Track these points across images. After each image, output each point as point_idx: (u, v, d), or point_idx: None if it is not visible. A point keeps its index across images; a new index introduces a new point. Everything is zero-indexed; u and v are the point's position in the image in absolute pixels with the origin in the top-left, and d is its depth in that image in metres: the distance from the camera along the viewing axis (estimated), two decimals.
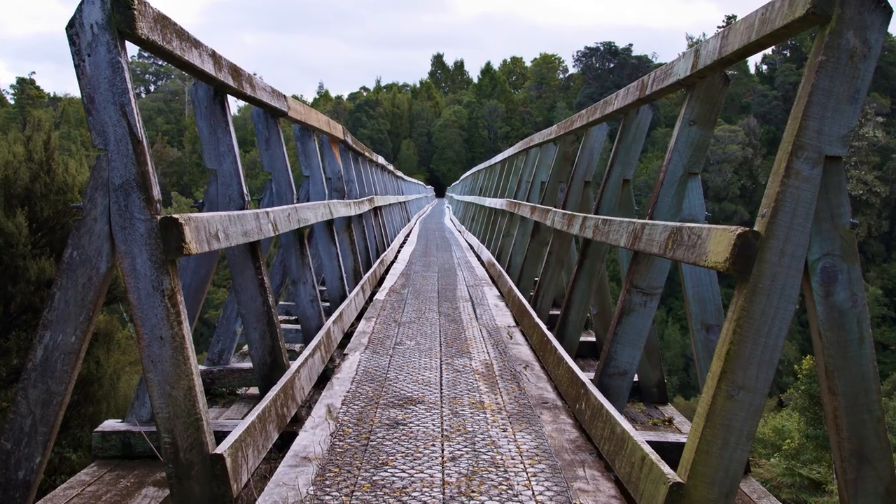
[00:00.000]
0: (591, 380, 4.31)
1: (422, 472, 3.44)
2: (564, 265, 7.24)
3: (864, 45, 2.58)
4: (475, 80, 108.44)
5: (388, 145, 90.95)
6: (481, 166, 20.11)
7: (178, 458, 2.98)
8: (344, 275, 7.34)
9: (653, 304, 4.10)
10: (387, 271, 11.20)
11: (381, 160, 14.36)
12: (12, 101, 74.41)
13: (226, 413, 4.89)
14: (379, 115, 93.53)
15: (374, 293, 8.99)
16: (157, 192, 2.97)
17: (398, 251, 14.55)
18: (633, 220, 3.98)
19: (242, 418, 4.31)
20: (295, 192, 5.59)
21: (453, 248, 15.82)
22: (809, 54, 2.71)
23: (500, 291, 9.20)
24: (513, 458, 3.67)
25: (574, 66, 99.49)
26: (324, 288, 7.98)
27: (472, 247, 15.86)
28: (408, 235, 19.36)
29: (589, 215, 5.15)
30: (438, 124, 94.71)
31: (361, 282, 8.21)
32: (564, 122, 7.21)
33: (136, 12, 2.86)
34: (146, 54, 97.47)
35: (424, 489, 3.25)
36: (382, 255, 11.34)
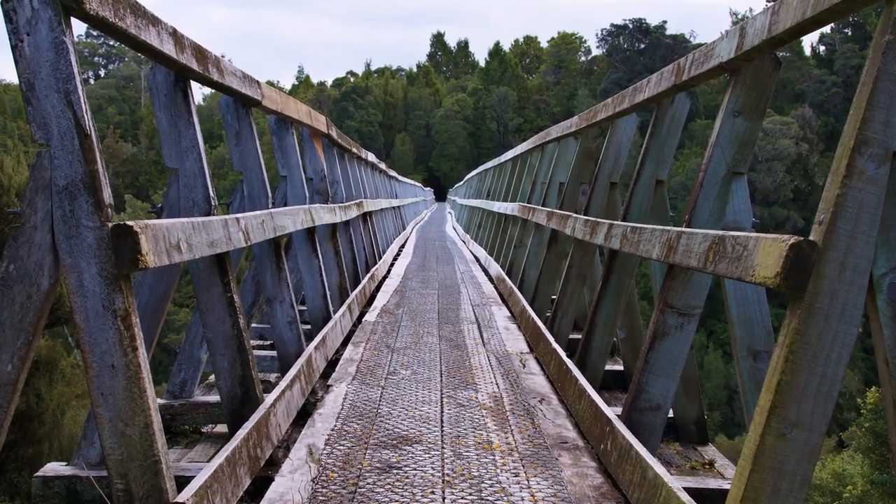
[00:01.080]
0: (619, 416, 4.30)
1: None
2: (587, 281, 7.24)
3: None
4: (482, 64, 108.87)
5: (380, 140, 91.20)
6: (489, 165, 20.16)
7: None
8: (328, 292, 7.35)
9: (690, 327, 4.09)
10: (378, 288, 11.21)
11: (371, 157, 14.41)
12: None
13: (189, 455, 4.88)
14: (369, 105, 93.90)
15: (363, 314, 8.99)
16: (108, 196, 2.97)
17: (392, 264, 14.56)
18: (668, 227, 3.98)
19: (208, 461, 4.30)
20: (270, 195, 5.61)
21: (456, 261, 15.83)
22: (875, 33, 2.71)
23: (510, 312, 9.21)
24: None
25: (598, 47, 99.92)
26: (304, 308, 7.98)
27: (478, 259, 15.88)
28: (403, 246, 19.36)
29: (616, 222, 5.16)
30: (439, 115, 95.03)
31: (348, 300, 8.22)
32: (587, 113, 7.23)
33: None
34: (95, 33, 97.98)
35: None
36: (373, 269, 11.35)
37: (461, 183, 40.29)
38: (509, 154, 14.20)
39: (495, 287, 11.45)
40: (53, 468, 4.15)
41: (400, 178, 26.54)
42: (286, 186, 7.17)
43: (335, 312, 7.47)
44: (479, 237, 17.78)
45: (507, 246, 11.92)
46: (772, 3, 3.37)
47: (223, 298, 4.32)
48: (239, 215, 4.39)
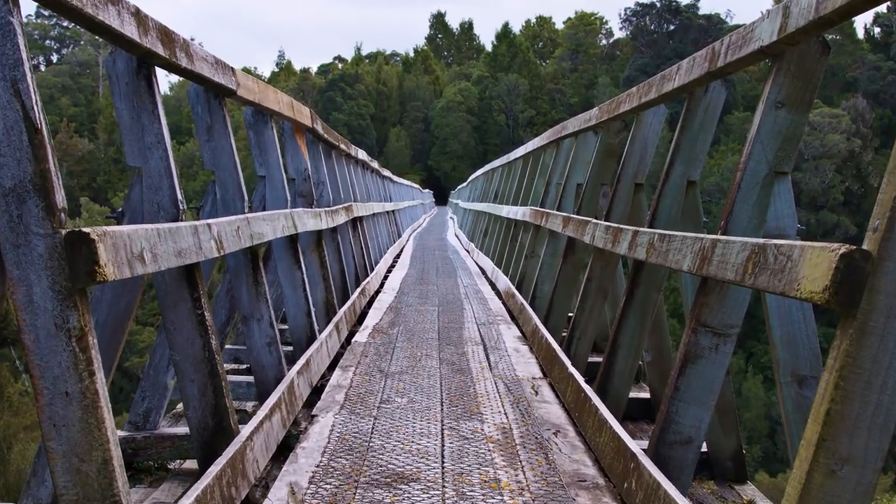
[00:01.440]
0: (644, 450, 4.29)
1: None
2: (608, 296, 7.24)
3: None
4: (488, 48, 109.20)
5: (372, 135, 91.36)
6: (496, 163, 20.18)
7: None
8: (312, 309, 7.36)
9: (726, 349, 4.09)
10: (370, 304, 11.21)
11: (362, 155, 14.42)
12: None
13: (154, 495, 4.88)
14: (359, 95, 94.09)
15: (352, 333, 8.99)
16: (61, 199, 2.97)
17: (385, 277, 14.56)
18: (701, 235, 3.98)
19: (176, 502, 4.30)
20: (247, 197, 5.62)
21: (459, 273, 15.84)
22: None
23: (521, 331, 9.21)
24: None
25: (621, 29, 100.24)
26: (285, 326, 7.98)
27: (483, 271, 15.88)
28: (398, 256, 19.36)
29: (641, 229, 5.16)
30: (439, 107, 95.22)
31: (336, 318, 8.22)
32: (608, 105, 7.24)
33: None
34: (47, 13, 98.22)
35: None
36: (364, 282, 11.36)
37: (464, 184, 40.32)
38: (519, 151, 14.23)
39: (503, 303, 11.45)
40: None
41: (395, 178, 26.59)
42: (265, 188, 7.18)
43: (321, 332, 7.47)
44: (485, 246, 17.79)
45: (517, 256, 11.92)
46: None
47: (193, 316, 4.33)
48: (211, 221, 4.40)
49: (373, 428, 5.55)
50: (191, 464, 5.30)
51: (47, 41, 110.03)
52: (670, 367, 5.99)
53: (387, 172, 22.68)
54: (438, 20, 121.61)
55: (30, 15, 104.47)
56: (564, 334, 7.71)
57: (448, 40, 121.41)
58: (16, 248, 2.94)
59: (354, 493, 4.35)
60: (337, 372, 7.17)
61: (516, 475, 4.69)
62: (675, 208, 5.40)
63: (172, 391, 5.56)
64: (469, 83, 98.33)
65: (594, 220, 6.62)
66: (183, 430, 5.36)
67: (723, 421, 5.25)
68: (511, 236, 13.07)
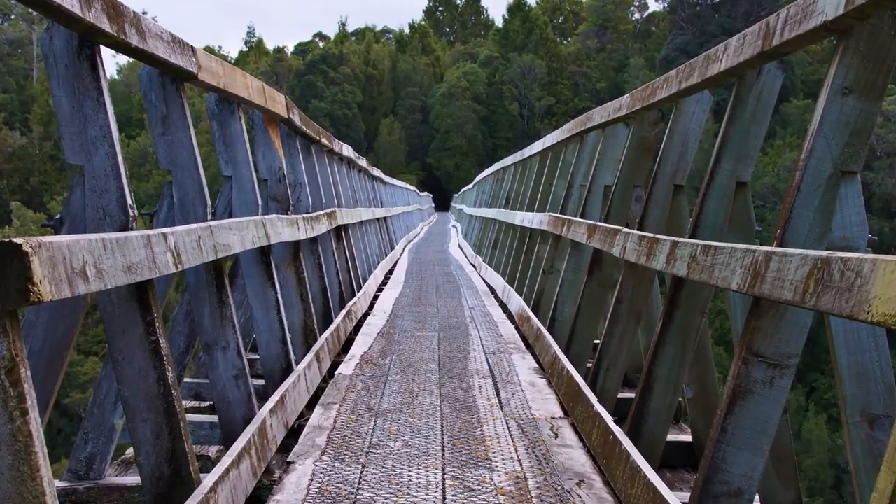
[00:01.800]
0: (686, 503, 4.28)
1: None
2: (642, 320, 7.24)
3: None
4: (498, 24, 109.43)
5: (360, 127, 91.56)
6: (508, 161, 20.18)
7: None
8: (288, 335, 7.35)
9: (783, 382, 4.09)
10: (357, 330, 11.20)
11: (347, 151, 14.44)
12: None
13: None
14: (344, 79, 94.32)
15: (336, 364, 8.98)
16: None
17: (376, 297, 14.55)
18: (753, 247, 3.98)
19: None
20: (209, 202, 5.62)
21: (463, 292, 15.83)
22: None
23: (537, 362, 9.20)
24: None
25: (657, 1, 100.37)
26: (256, 356, 7.97)
27: (492, 290, 15.87)
28: (391, 272, 19.35)
29: (681, 240, 5.16)
30: (440, 93, 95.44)
31: (317, 346, 8.21)
32: (642, 91, 7.25)
33: None
34: None
35: None
36: (350, 303, 11.36)
37: (470, 186, 40.31)
38: (536, 147, 14.24)
39: (516, 328, 11.44)
40: None
41: (387, 179, 26.59)
42: (231, 191, 7.19)
43: (298, 362, 7.46)
44: (495, 260, 17.79)
45: (532, 272, 11.92)
46: None
47: (145, 343, 4.33)
48: (167, 230, 4.40)
49: (360, 477, 5.53)
50: None
51: None
52: (716, 404, 5.98)
53: (377, 172, 22.70)
54: None
55: None
56: (590, 365, 7.69)
57: (450, 14, 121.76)
58: None
59: None
60: (318, 410, 7.15)
61: None
62: (722, 215, 5.40)
63: (121, 433, 5.55)
64: (475, 65, 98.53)
65: (625, 229, 6.62)
66: (133, 479, 5.35)
67: (779, 469, 5.24)
68: (526, 248, 13.07)
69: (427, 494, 5.24)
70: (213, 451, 6.53)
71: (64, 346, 4.39)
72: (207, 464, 5.64)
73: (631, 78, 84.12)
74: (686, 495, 4.50)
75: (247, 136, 7.24)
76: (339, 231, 12.05)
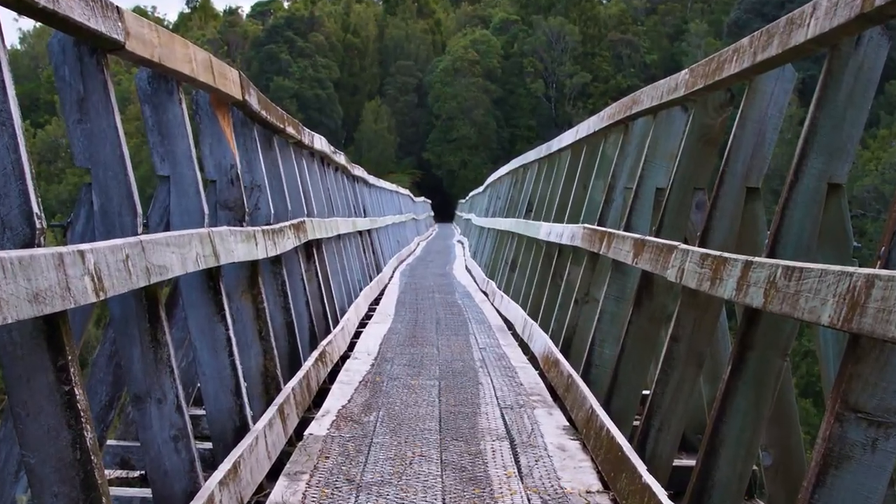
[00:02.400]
0: None
1: None
2: (704, 364, 7.24)
3: None
4: None
5: (337, 112, 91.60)
6: (530, 156, 20.12)
7: None
8: (243, 384, 7.35)
9: (889, 445, 4.09)
10: (333, 376, 11.20)
11: (321, 144, 14.44)
12: None
13: None
14: (317, 50, 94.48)
15: (306, 422, 8.98)
16: None
17: (357, 334, 14.55)
18: (851, 268, 3.99)
19: None
20: (140, 209, 5.63)
21: (471, 327, 15.84)
22: None
23: (568, 418, 9.19)
24: None
25: None
26: (201, 411, 7.98)
27: (509, 325, 15.85)
28: (377, 300, 19.36)
29: (757, 259, 5.17)
30: (441, 68, 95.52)
31: (280, 398, 8.20)
32: (704, 65, 7.27)
33: None
34: None
35: None
36: (324, 342, 11.35)
37: (480, 189, 40.25)
38: (566, 138, 14.23)
39: (541, 374, 11.42)
40: None
41: (372, 180, 26.56)
42: (169, 195, 7.21)
43: (256, 420, 7.45)
44: (513, 286, 17.74)
45: (562, 302, 11.90)
46: None
47: (56, 394, 4.33)
48: (85, 246, 4.41)
49: None
50: None
51: None
52: (802, 473, 5.98)
53: (359, 171, 22.65)
54: None
55: None
56: (636, 423, 7.69)
57: None
58: None
59: None
60: (281, 482, 7.15)
61: None
62: (810, 226, 5.41)
63: None
64: (487, 31, 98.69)
65: (683, 246, 6.63)
66: None
67: None
68: (553, 271, 13.05)
69: None
70: None
71: None
72: None
73: (690, 48, 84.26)
74: None
75: (189, 125, 7.26)
76: (310, 248, 12.05)
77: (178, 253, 5.78)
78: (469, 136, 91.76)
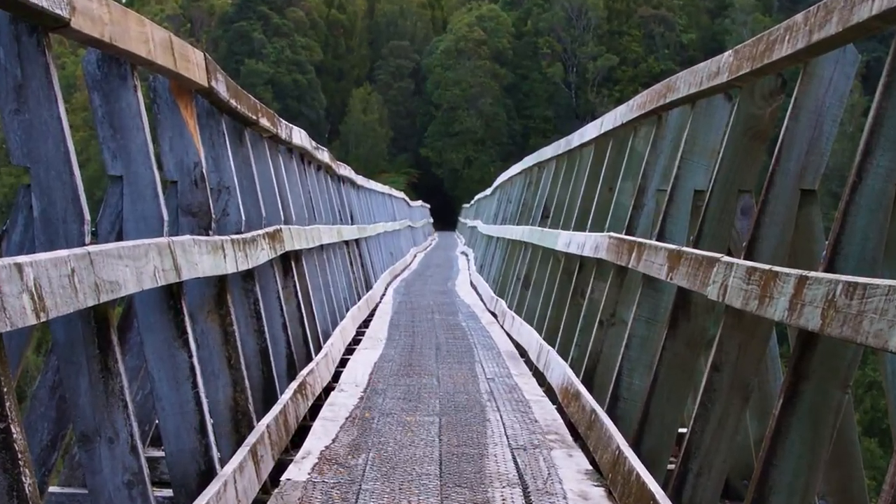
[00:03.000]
0: None
1: None
2: (751, 396, 7.22)
3: None
4: None
5: (320, 101, 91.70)
6: (546, 153, 20.12)
7: None
8: (208, 421, 7.33)
9: None
10: (314, 412, 11.18)
11: (300, 139, 14.43)
12: None
13: None
14: (296, 28, 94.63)
15: (283, 465, 8.96)
16: None
17: (343, 361, 14.54)
18: None
19: None
20: (88, 215, 5.62)
21: (477, 355, 15.83)
22: None
23: (591, 461, 9.17)
24: None
25: None
26: (160, 453, 7.96)
27: (522, 351, 15.83)
28: (367, 322, 19.36)
29: (813, 273, 5.16)
30: (441, 49, 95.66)
31: (253, 438, 8.19)
32: (752, 46, 7.26)
33: None
34: None
35: None
36: (305, 371, 11.33)
37: (488, 192, 40.24)
38: (589, 131, 14.24)
39: (559, 409, 11.41)
40: None
41: (361, 181, 26.55)
42: (122, 198, 7.20)
43: (225, 463, 7.44)
44: (526, 305, 17.72)
45: (584, 324, 11.88)
46: None
47: None
48: (23, 259, 4.40)
49: None
50: None
51: None
52: None
53: (346, 170, 22.63)
54: None
55: None
56: (671, 467, 7.68)
57: None
58: None
59: None
60: None
61: None
62: (876, 235, 5.40)
63: None
64: (496, 6, 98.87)
65: (726, 258, 6.62)
66: None
67: None
68: (573, 287, 13.04)
69: None
70: None
71: None
72: None
73: (735, 25, 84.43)
74: None
75: (146, 116, 7.25)
76: (288, 260, 12.05)
77: (132, 266, 5.76)
78: (474, 130, 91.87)
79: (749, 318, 6.46)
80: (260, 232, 9.72)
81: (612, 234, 10.53)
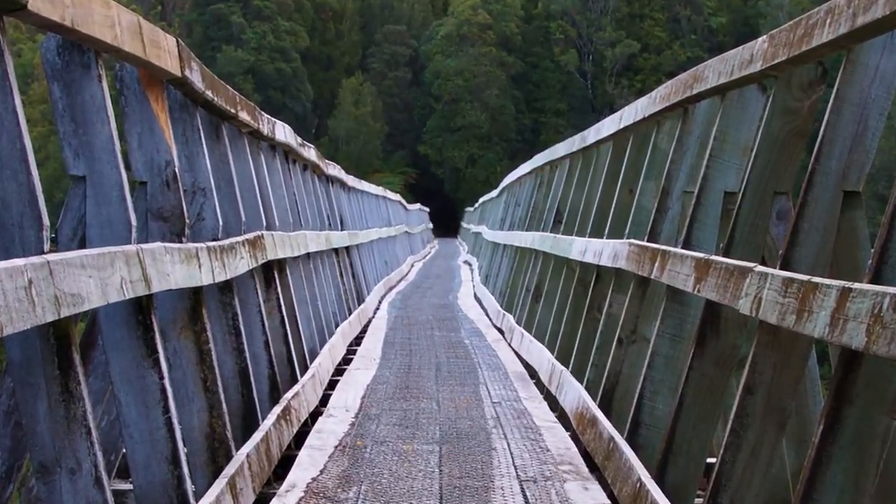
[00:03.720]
0: None
1: None
2: (787, 421, 7.23)
3: None
4: None
5: (306, 92, 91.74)
6: (559, 150, 20.12)
7: None
8: (181, 450, 7.33)
9: None
10: (300, 440, 11.18)
11: (284, 134, 14.43)
12: None
13: None
14: (279, 11, 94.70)
15: (265, 499, 8.96)
16: None
17: (333, 383, 14.54)
18: None
19: None
20: (46, 219, 5.63)
21: (482, 376, 15.86)
22: None
23: (609, 494, 9.17)
24: None
25: None
26: (128, 485, 7.96)
27: (532, 371, 15.83)
28: (359, 340, 19.36)
29: (857, 285, 5.16)
30: (442, 35, 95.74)
31: (231, 469, 8.18)
32: (788, 31, 7.26)
33: None
34: None
35: None
36: (289, 393, 11.34)
37: (494, 194, 40.20)
38: (607, 126, 14.23)
39: (573, 437, 11.41)
40: None
41: (352, 181, 26.52)
42: (85, 200, 7.20)
43: (199, 497, 7.44)
44: (537, 320, 17.69)
45: (601, 340, 11.89)
46: None
47: None
48: None
49: None
50: None
51: None
52: None
53: (336, 170, 22.63)
54: None
55: None
56: (699, 501, 7.68)
57: None
58: None
59: None
60: None
61: None
62: None
63: None
64: None
65: (760, 268, 6.62)
66: None
67: None
68: (589, 300, 13.05)
69: None
70: None
71: None
72: None
73: (770, 8, 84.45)
74: None
75: (111, 109, 7.26)
76: (270, 270, 12.06)
77: (96, 277, 5.77)
78: (479, 124, 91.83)
79: (786, 334, 6.46)
80: (239, 239, 9.72)
81: (632, 241, 10.53)
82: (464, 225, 55.15)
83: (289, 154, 15.48)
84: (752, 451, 6.91)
